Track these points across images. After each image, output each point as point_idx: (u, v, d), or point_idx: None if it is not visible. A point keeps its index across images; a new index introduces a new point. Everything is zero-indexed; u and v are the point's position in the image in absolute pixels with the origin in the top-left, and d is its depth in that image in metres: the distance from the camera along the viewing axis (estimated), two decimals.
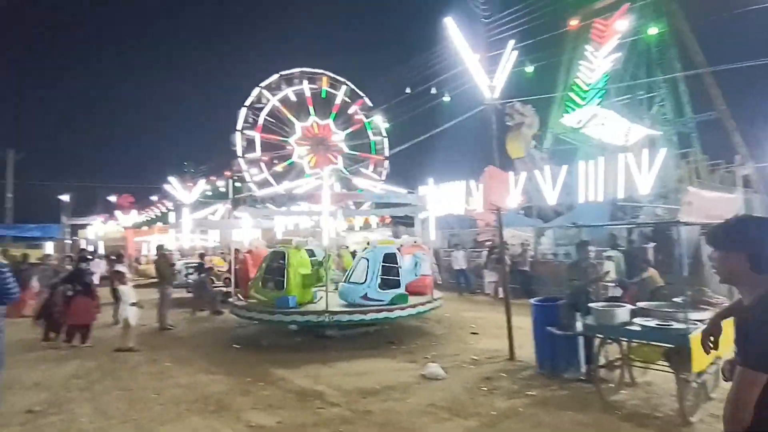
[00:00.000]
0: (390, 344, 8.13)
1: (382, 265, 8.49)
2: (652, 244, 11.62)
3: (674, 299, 5.48)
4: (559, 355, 5.88)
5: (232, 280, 12.24)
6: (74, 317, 8.33)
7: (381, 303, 8.23)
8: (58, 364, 7.11)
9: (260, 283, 9.02)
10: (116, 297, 8.56)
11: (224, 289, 12.51)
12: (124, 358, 7.53)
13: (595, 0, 26.89)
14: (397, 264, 8.67)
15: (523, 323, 7.12)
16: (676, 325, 4.76)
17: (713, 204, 4.92)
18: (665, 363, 4.88)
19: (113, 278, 8.51)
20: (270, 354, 7.70)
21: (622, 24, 21.94)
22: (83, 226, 42.41)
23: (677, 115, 28.08)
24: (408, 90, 24.61)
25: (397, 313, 8.31)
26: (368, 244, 10.49)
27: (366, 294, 8.24)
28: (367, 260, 8.67)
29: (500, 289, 13.46)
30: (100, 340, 8.58)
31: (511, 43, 14.79)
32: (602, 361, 5.49)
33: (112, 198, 48.18)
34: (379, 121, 29.25)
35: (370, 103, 29.41)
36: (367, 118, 29.38)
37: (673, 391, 4.80)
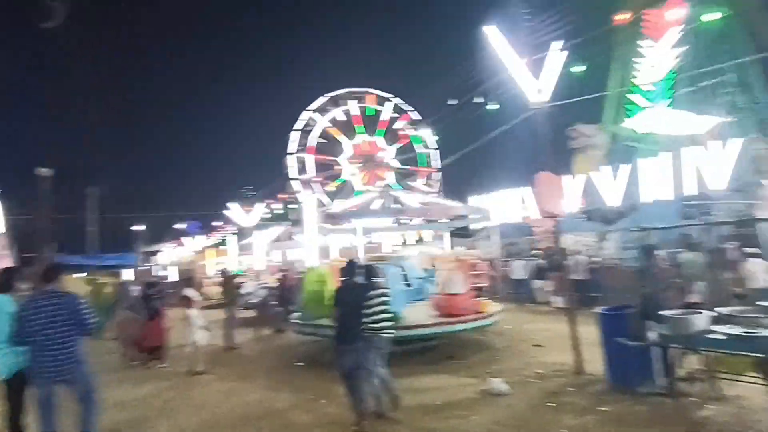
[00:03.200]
0: (450, 359, 7.98)
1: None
2: (733, 244, 10.65)
3: (759, 303, 4.98)
4: (632, 368, 5.50)
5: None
6: (148, 340, 8.93)
7: None
8: (137, 384, 7.59)
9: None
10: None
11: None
12: (196, 377, 7.92)
13: None
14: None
15: (588, 334, 6.76)
16: (765, 333, 4.32)
17: None
18: (757, 375, 4.43)
19: (182, 303, 9.02)
20: (332, 371, 7.79)
21: (675, 13, 20.68)
22: (155, 253, 45.50)
23: (750, 101, 25.83)
24: (455, 101, 24.53)
25: (448, 327, 8.15)
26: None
27: None
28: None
29: (560, 299, 12.91)
30: (176, 360, 9.10)
31: (557, 43, 14.28)
32: (682, 373, 5.08)
33: (180, 225, 51.40)
34: (427, 133, 29.31)
35: (417, 116, 29.58)
36: (415, 131, 29.53)
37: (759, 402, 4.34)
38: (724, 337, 4.55)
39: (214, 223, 45.38)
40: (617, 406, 5.29)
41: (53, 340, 4.21)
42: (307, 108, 28.28)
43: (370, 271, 5.54)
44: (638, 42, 23.05)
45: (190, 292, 9.72)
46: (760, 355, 4.28)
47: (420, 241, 26.27)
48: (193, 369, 8.17)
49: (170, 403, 6.52)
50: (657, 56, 21.13)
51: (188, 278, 12.24)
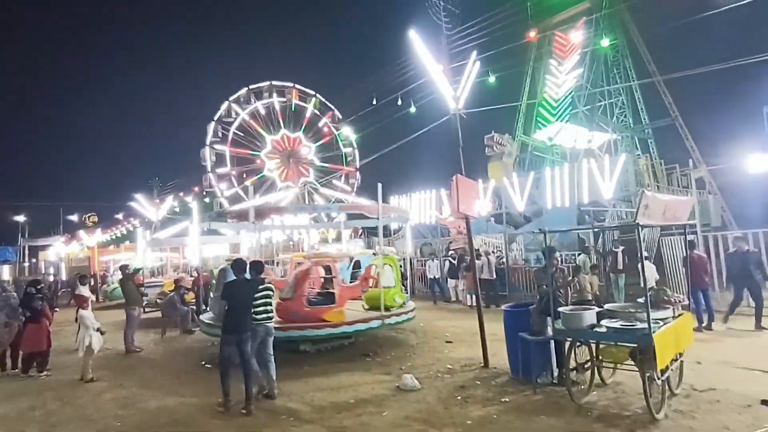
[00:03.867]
0: (365, 357, 8.06)
1: None
2: (621, 248, 11.97)
3: (638, 300, 5.65)
4: (532, 361, 5.95)
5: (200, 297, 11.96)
6: (26, 345, 7.93)
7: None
8: (15, 397, 6.73)
9: None
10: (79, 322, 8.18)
11: (194, 307, 12.22)
12: (86, 385, 7.19)
13: (555, 13, 27.93)
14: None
15: (497, 330, 7.21)
16: (639, 325, 4.91)
17: (668, 206, 5.11)
18: (632, 363, 5.02)
19: (75, 302, 8.12)
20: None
21: (578, 36, 22.81)
22: (44, 248, 40.67)
23: (635, 121, 29.35)
24: (374, 102, 24.80)
25: (370, 324, 8.28)
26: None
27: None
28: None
29: (470, 297, 13.63)
30: (62, 367, 8.18)
31: (474, 54, 15.17)
32: (573, 364, 5.60)
33: (74, 217, 46.43)
34: (349, 132, 29.35)
35: (339, 115, 29.49)
36: (336, 129, 29.42)
37: (640, 389, 4.93)
38: (606, 330, 5.10)
39: (116, 216, 41.62)
40: (518, 397, 5.70)
41: None
42: (228, 99, 26.95)
43: (256, 268, 6.20)
44: (549, 60, 25.02)
45: (84, 291, 8.83)
46: (634, 345, 4.87)
47: (337, 239, 26.27)
48: (85, 376, 7.42)
49: (55, 417, 5.85)
50: (562, 75, 23.10)
51: (82, 276, 11.07)
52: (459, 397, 5.80)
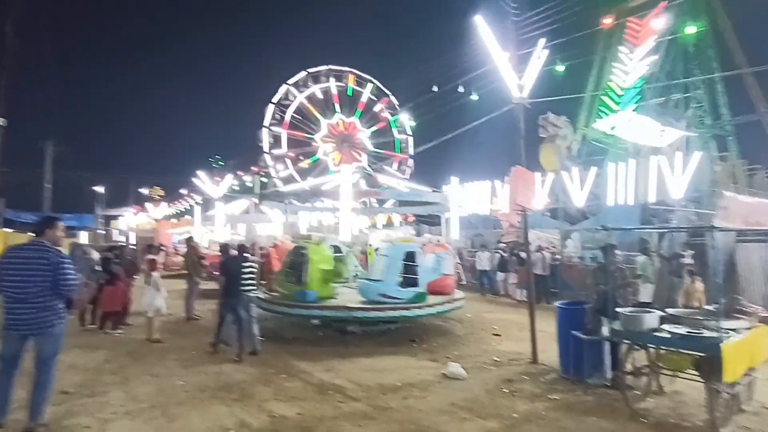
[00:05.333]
0: (411, 342, 8.14)
1: (403, 264, 8.49)
2: (690, 252, 11.05)
3: (706, 307, 5.30)
4: (584, 360, 5.76)
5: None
6: (104, 305, 8.68)
7: (400, 301, 8.22)
8: (91, 349, 7.38)
9: (283, 277, 9.17)
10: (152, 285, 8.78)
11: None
12: (152, 345, 7.77)
13: None
14: (416, 263, 8.64)
15: (547, 327, 7.03)
16: (707, 333, 4.61)
17: (751, 209, 4.73)
18: (695, 372, 4.74)
19: (147, 266, 8.77)
20: (292, 347, 7.82)
21: (658, 23, 21.24)
22: (116, 217, 43.87)
23: (714, 117, 27.01)
24: (435, 88, 24.49)
25: (415, 311, 8.30)
26: (391, 242, 10.48)
27: (385, 291, 8.26)
28: (388, 257, 8.70)
29: (520, 291, 13.32)
30: (134, 328, 8.88)
31: (542, 41, 14.60)
32: (629, 367, 5.37)
33: (144, 190, 49.60)
34: (405, 119, 29.26)
35: (395, 102, 29.43)
36: (392, 116, 29.41)
37: (703, 401, 4.66)
38: (670, 336, 4.83)
39: (180, 191, 44.07)
40: (567, 395, 5.55)
41: (29, 294, 4.02)
42: (286, 82, 27.60)
43: (242, 250, 7.81)
44: (618, 47, 23.57)
45: (155, 257, 9.48)
46: (700, 354, 4.58)
47: (388, 225, 26.43)
48: (151, 337, 8.01)
49: (127, 370, 6.39)
50: (632, 63, 21.71)
51: (149, 245, 11.87)
52: (506, 390, 5.73)
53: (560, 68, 16.78)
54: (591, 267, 7.65)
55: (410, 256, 8.62)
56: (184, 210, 43.47)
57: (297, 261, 8.85)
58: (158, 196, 49.78)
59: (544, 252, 13.70)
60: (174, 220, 38.07)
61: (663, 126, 21.52)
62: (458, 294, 9.54)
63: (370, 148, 29.38)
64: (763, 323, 5.40)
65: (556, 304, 6.81)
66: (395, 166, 29.40)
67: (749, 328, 5.04)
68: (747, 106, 24.84)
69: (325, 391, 5.66)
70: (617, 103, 22.60)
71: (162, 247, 19.64)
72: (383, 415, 4.96)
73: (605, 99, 23.45)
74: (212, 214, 23.81)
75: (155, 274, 8.35)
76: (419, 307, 8.31)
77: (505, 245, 16.17)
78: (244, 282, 7.24)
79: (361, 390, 5.71)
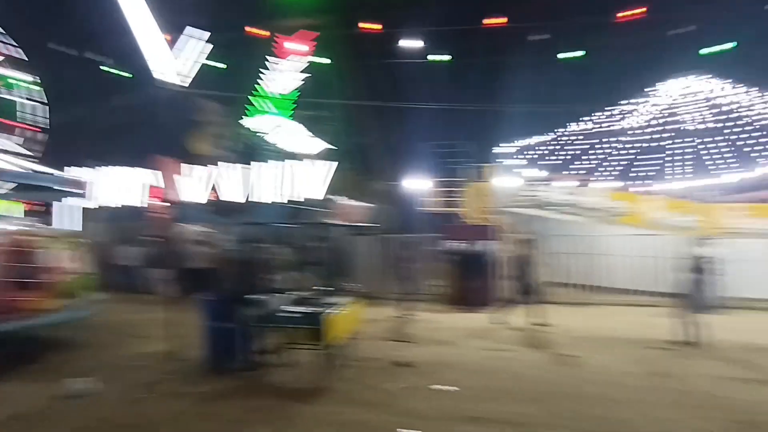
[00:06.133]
0: (27, 364, 6.53)
1: None
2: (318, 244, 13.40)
3: (316, 287, 6.60)
4: (227, 348, 6.09)
5: None
6: None
7: None
8: None
9: None
10: None
11: None
12: None
13: (291, 15, 29.14)
14: None
15: (196, 321, 7.03)
16: (317, 309, 5.79)
17: (351, 211, 6.27)
18: (311, 342, 5.83)
19: None
20: None
21: (296, 47, 24.57)
22: None
23: (344, 135, 33.72)
24: (68, 51, 20.04)
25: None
26: None
27: None
28: None
29: (172, 288, 12.73)
30: None
31: (205, 34, 14.46)
32: (263, 348, 6.04)
33: None
34: (30, 80, 22.88)
35: (19, 56, 22.61)
36: (12, 72, 22.46)
37: (314, 364, 5.72)
38: (288, 315, 5.82)
39: None
40: (213, 385, 5.73)
41: None
42: None
43: None
44: (267, 56, 26.07)
45: None
46: (312, 327, 5.71)
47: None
48: None
49: None
50: (278, 74, 24.51)
51: None
52: (146, 395, 5.44)
53: (219, 66, 16.97)
54: (236, 259, 8.04)
55: None
56: None
57: None
58: None
59: (200, 246, 13.55)
60: None
61: (311, 135, 25.26)
62: (95, 297, 8.22)
63: None
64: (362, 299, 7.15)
65: (198, 297, 6.83)
66: (17, 139, 22.46)
67: (348, 304, 6.58)
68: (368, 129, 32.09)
69: None
70: (261, 106, 24.93)
71: None
72: None
73: (254, 100, 25.61)
74: None
75: None
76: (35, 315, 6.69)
77: (153, 239, 15.01)
78: None
79: None
